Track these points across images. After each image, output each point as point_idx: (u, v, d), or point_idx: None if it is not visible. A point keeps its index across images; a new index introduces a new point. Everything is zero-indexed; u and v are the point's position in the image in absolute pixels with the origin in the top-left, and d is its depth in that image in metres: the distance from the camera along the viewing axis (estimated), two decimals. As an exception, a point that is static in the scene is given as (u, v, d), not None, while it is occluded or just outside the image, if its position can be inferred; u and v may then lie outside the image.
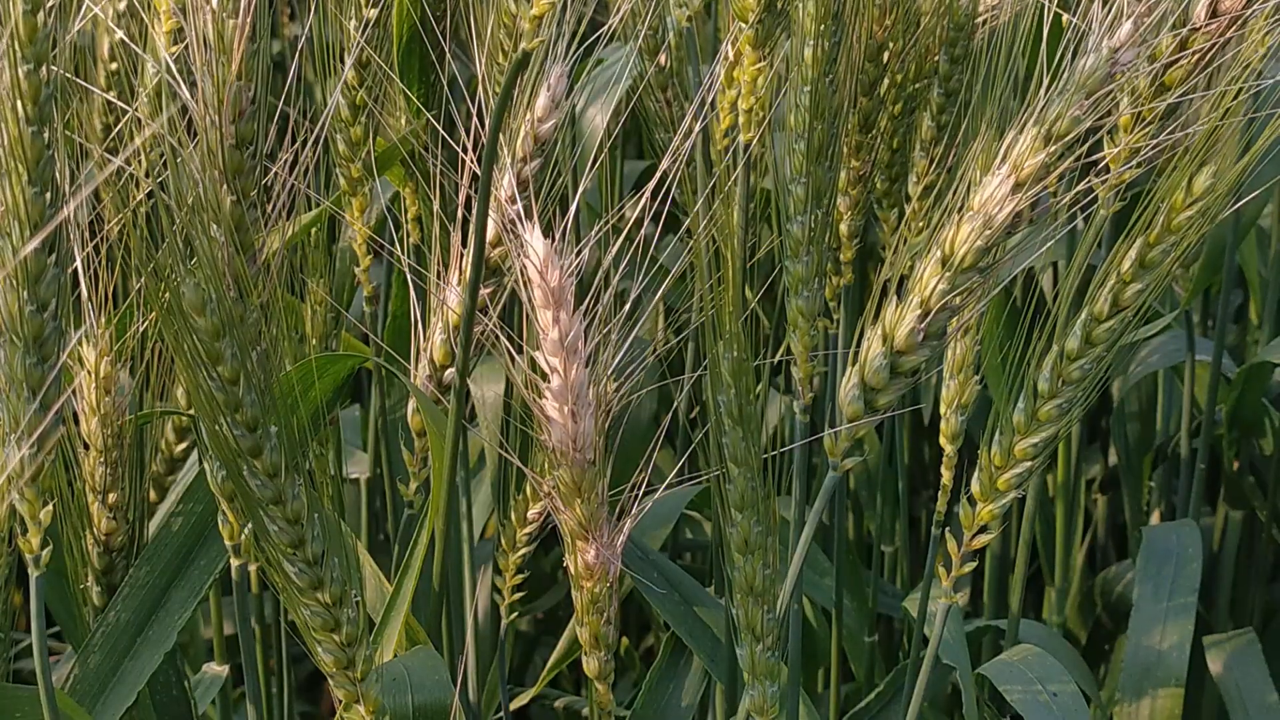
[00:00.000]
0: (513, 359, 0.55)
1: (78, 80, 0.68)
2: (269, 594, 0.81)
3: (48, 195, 0.52)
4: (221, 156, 0.54)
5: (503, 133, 0.60)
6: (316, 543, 0.52)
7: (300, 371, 0.62)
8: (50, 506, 0.53)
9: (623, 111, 0.89)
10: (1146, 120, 0.59)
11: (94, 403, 0.66)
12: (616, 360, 0.56)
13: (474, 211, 0.59)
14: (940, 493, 0.70)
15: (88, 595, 0.67)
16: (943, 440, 0.70)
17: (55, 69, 0.51)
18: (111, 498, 0.66)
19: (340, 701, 0.54)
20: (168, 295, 0.50)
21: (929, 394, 1.03)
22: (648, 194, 0.57)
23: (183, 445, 0.71)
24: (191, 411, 0.72)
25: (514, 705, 0.87)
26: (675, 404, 0.92)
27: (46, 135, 0.52)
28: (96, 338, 0.65)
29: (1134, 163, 0.59)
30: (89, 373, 0.65)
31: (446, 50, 0.70)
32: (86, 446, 0.66)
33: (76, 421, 0.66)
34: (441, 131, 0.64)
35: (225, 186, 0.54)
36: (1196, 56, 0.58)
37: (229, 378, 0.50)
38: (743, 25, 0.66)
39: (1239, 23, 0.57)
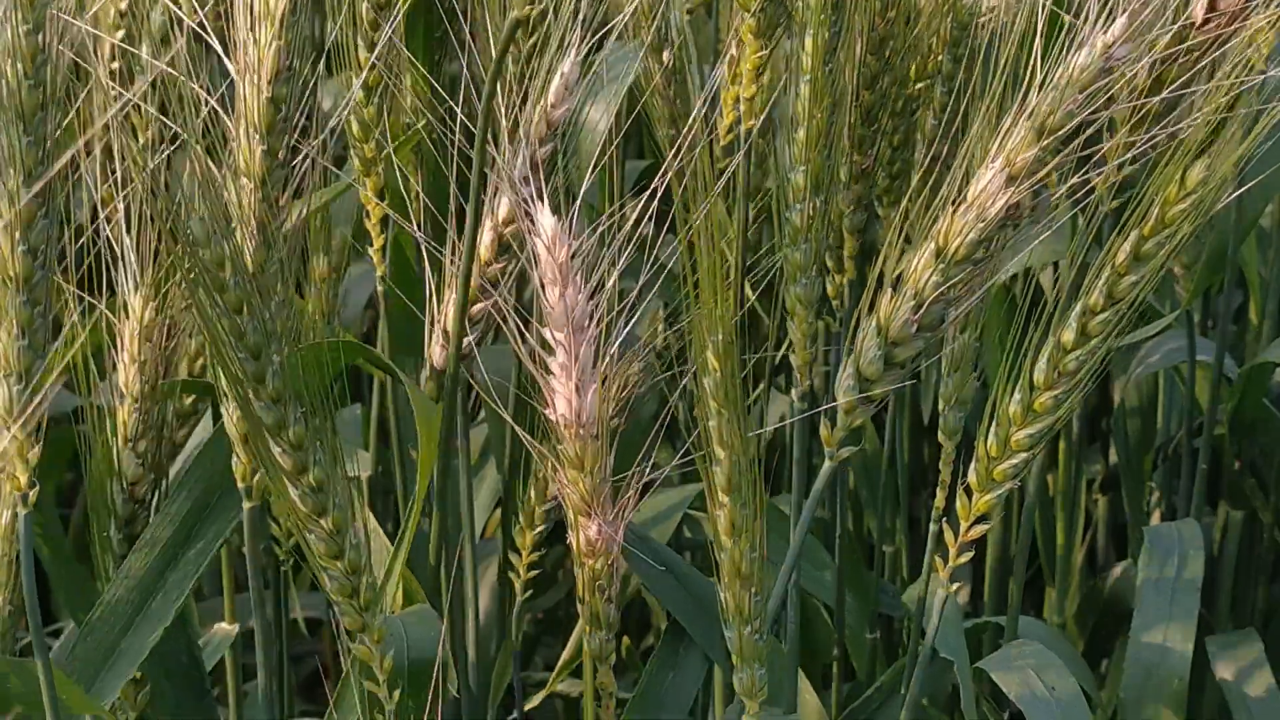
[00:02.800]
0: (522, 337, 0.57)
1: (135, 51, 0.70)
2: (269, 593, 0.81)
3: (40, 150, 0.55)
4: (258, 111, 0.57)
5: (519, 115, 0.61)
6: (319, 468, 0.55)
7: (307, 356, 0.63)
8: (38, 449, 0.56)
9: (624, 111, 0.89)
10: (1144, 115, 0.60)
11: (135, 352, 0.66)
12: (617, 343, 0.57)
13: (472, 182, 0.60)
14: (939, 487, 0.71)
15: (108, 544, 0.68)
16: (941, 436, 0.70)
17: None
18: (140, 445, 0.67)
19: (347, 634, 0.56)
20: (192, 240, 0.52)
21: (929, 393, 1.03)
22: (647, 193, 0.58)
23: (190, 399, 0.72)
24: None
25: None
26: (671, 403, 0.93)
27: (43, 93, 0.55)
28: (143, 286, 0.66)
29: (1129, 156, 0.59)
30: (134, 321, 0.66)
31: (465, 30, 0.71)
32: (121, 398, 0.67)
33: (115, 369, 0.67)
34: (459, 112, 0.64)
35: (259, 138, 0.57)
36: (1194, 53, 0.59)
37: (233, 305, 0.53)
38: (745, 14, 0.67)
39: (1236, 19, 0.58)
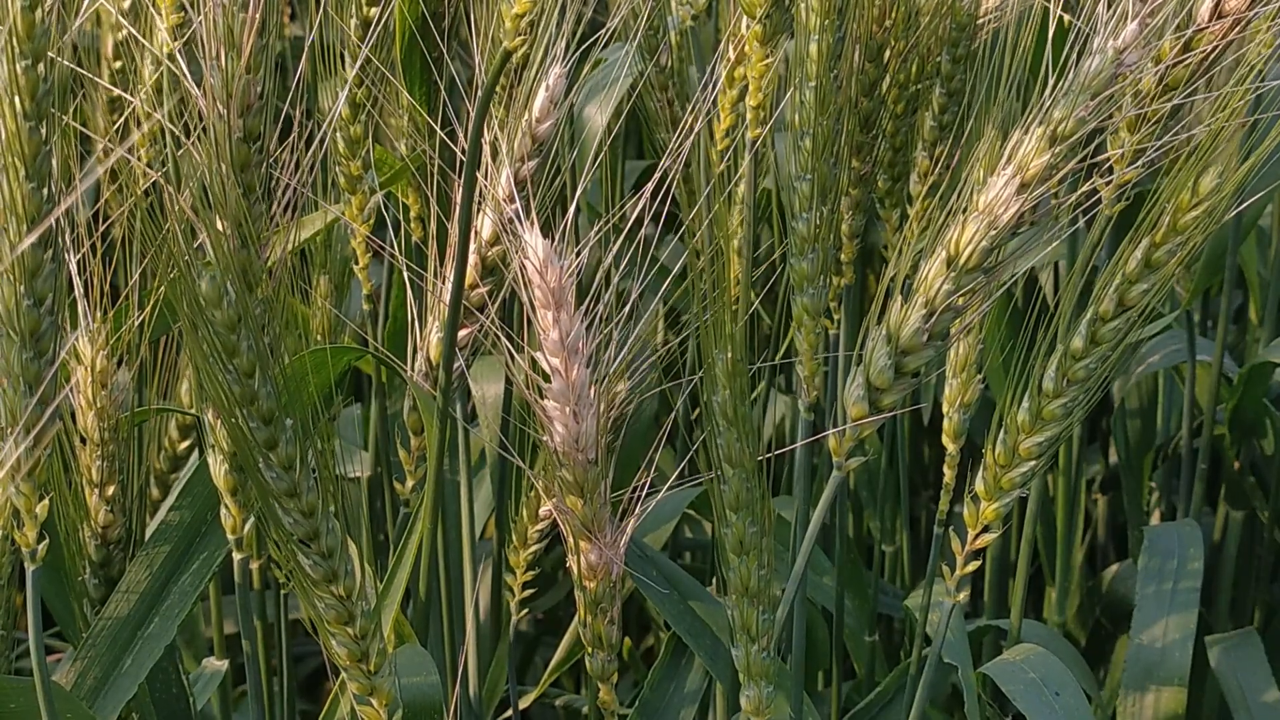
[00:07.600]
0: (512, 357, 0.55)
1: (85, 73, 0.68)
2: (270, 593, 0.81)
3: (44, 191, 0.52)
4: (229, 149, 0.54)
5: (501, 131, 0.60)
6: (331, 536, 0.53)
7: (301, 364, 0.62)
8: (46, 501, 0.54)
9: (623, 110, 0.88)
10: (1151, 121, 0.59)
11: (90, 397, 0.66)
12: (617, 361, 0.56)
13: (459, 210, 0.59)
14: (943, 491, 0.70)
15: (84, 588, 0.67)
16: (945, 439, 0.70)
17: (59, 61, 0.51)
18: (109, 490, 0.66)
19: (354, 696, 0.55)
20: (182, 290, 0.50)
21: (928, 394, 1.03)
22: (648, 193, 0.57)
23: (186, 443, 0.71)
24: (189, 410, 0.72)
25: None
26: (676, 406, 0.92)
27: (44, 131, 0.51)
28: (93, 333, 0.65)
29: (1139, 164, 0.59)
30: (85, 368, 0.66)
31: (444, 51, 0.70)
32: (83, 440, 0.66)
33: (74, 417, 0.66)
34: (440, 133, 0.63)
35: (233, 180, 0.54)
36: (1201, 57, 0.58)
37: (245, 370, 0.51)
38: (750, 20, 0.66)
39: (1243, 24, 0.57)
